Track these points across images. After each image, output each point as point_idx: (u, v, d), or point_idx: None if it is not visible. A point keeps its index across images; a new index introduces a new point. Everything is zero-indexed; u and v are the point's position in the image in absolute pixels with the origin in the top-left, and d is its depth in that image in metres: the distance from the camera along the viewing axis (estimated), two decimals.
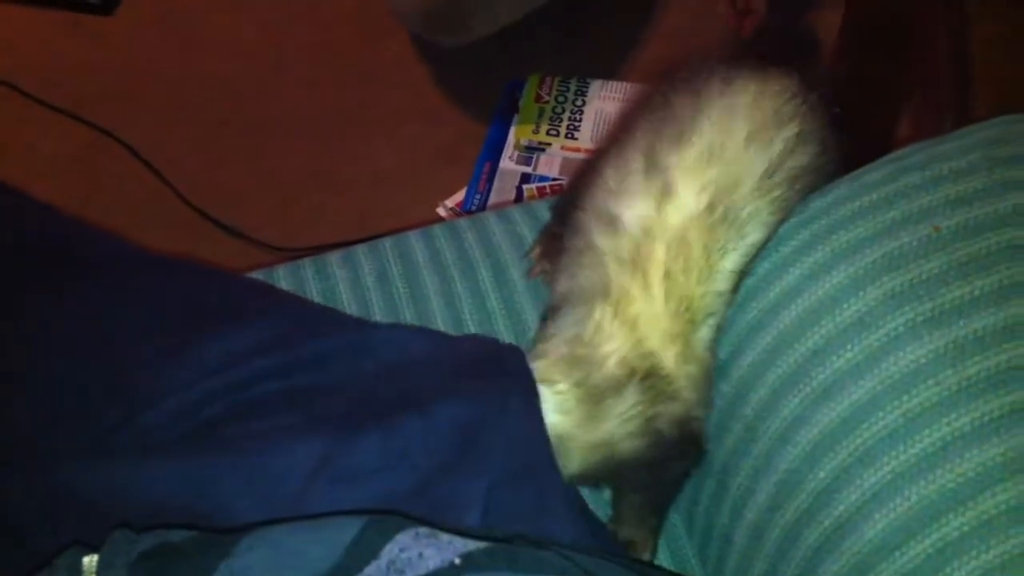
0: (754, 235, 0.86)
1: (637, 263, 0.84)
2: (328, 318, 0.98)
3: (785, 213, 0.87)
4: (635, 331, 0.84)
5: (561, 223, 0.98)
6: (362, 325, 0.97)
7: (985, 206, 0.81)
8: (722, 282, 0.86)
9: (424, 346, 0.91)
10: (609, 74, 1.98)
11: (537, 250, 1.08)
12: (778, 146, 0.86)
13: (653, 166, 0.85)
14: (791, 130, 0.86)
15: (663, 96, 0.90)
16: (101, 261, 0.93)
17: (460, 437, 0.79)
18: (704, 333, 0.86)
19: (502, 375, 0.85)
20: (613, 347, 0.84)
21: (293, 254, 1.16)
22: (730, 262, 0.85)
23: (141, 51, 2.14)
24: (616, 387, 0.83)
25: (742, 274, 0.87)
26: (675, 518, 0.97)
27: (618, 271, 0.85)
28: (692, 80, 0.90)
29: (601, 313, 0.84)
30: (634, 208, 0.85)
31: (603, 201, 0.87)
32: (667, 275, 0.83)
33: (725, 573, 0.88)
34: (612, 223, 0.85)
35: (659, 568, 0.91)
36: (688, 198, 0.83)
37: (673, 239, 0.83)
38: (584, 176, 0.95)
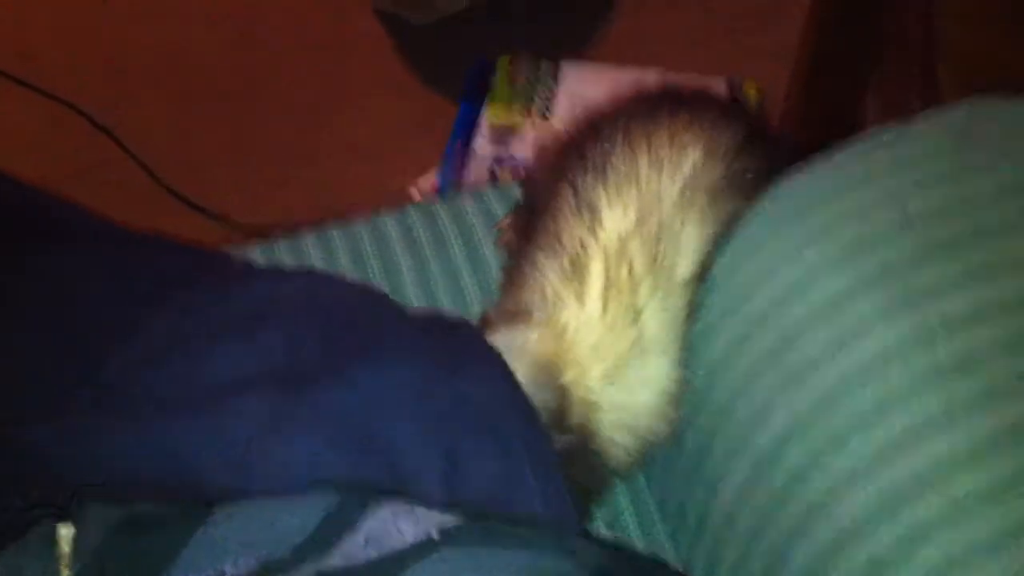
0: (695, 244, 0.88)
1: (575, 274, 0.87)
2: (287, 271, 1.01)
3: (720, 224, 0.90)
4: (563, 338, 0.86)
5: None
6: (314, 273, 0.98)
7: (952, 189, 0.82)
8: (676, 295, 0.88)
9: (375, 301, 0.93)
10: (579, 52, 1.98)
11: (506, 221, 1.10)
12: (686, 168, 0.89)
13: (581, 199, 0.89)
14: (695, 153, 0.90)
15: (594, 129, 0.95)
16: (65, 230, 0.94)
17: (412, 396, 0.80)
18: (651, 368, 0.88)
19: (456, 339, 0.86)
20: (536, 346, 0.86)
21: (259, 229, 1.16)
22: (681, 271, 0.88)
23: (107, 23, 2.11)
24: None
25: (695, 286, 0.89)
26: (648, 501, 0.98)
27: (556, 280, 0.88)
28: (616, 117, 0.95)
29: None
30: (570, 231, 0.88)
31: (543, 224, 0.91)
32: (608, 285, 0.86)
33: (698, 556, 0.89)
34: (552, 245, 0.89)
35: (633, 549, 0.92)
36: (616, 215, 0.87)
37: (612, 252, 0.87)
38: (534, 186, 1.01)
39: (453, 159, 1.84)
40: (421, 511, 0.65)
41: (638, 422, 0.88)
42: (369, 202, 1.22)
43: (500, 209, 1.14)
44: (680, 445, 0.90)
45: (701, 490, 0.87)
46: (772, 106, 1.81)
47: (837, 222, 0.83)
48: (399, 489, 0.70)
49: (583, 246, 0.87)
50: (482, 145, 1.84)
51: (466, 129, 1.87)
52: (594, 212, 0.88)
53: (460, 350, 0.85)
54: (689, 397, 0.88)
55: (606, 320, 0.86)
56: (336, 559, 0.61)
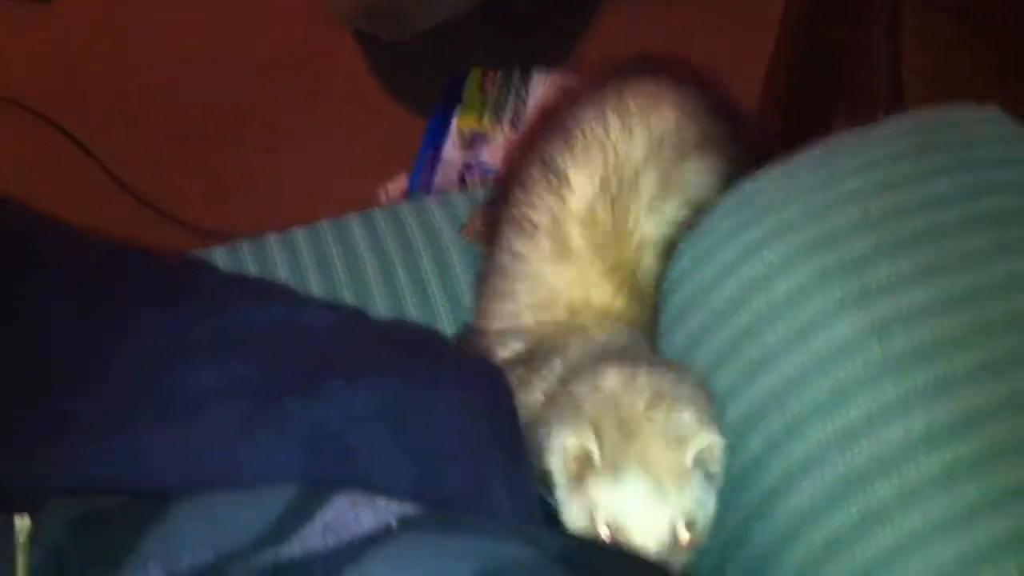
0: (660, 201, 0.91)
1: (556, 246, 0.91)
2: (261, 288, 0.99)
3: (686, 188, 0.92)
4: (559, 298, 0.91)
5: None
6: (294, 298, 0.97)
7: (913, 190, 0.83)
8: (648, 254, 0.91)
9: (352, 323, 0.92)
10: (554, 63, 1.99)
11: (474, 217, 1.11)
12: (656, 131, 0.92)
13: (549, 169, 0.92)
14: (669, 114, 0.93)
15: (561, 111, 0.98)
16: (34, 243, 0.93)
17: (386, 410, 0.79)
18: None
19: (431, 355, 0.85)
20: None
21: (234, 241, 1.16)
22: (650, 229, 0.91)
23: (76, 39, 2.10)
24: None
25: (671, 243, 0.91)
26: None
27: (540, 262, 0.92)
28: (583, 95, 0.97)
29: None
30: (541, 208, 0.92)
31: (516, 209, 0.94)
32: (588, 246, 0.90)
33: None
34: (526, 229, 0.93)
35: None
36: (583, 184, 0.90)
37: (584, 219, 0.90)
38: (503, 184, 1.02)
39: (423, 165, 1.84)
40: (382, 502, 0.65)
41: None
42: (339, 209, 1.22)
43: (466, 211, 1.14)
44: None
45: None
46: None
47: (798, 221, 0.84)
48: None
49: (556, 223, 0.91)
50: (452, 152, 1.84)
51: (437, 137, 1.87)
52: (560, 177, 0.91)
53: (437, 368, 0.84)
54: None
55: (596, 267, 0.91)
56: (294, 549, 0.61)
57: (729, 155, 0.95)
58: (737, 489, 0.79)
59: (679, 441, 0.76)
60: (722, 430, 0.78)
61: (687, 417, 0.77)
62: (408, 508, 0.65)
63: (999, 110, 0.91)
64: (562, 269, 0.91)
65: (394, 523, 0.62)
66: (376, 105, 1.98)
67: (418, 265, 1.10)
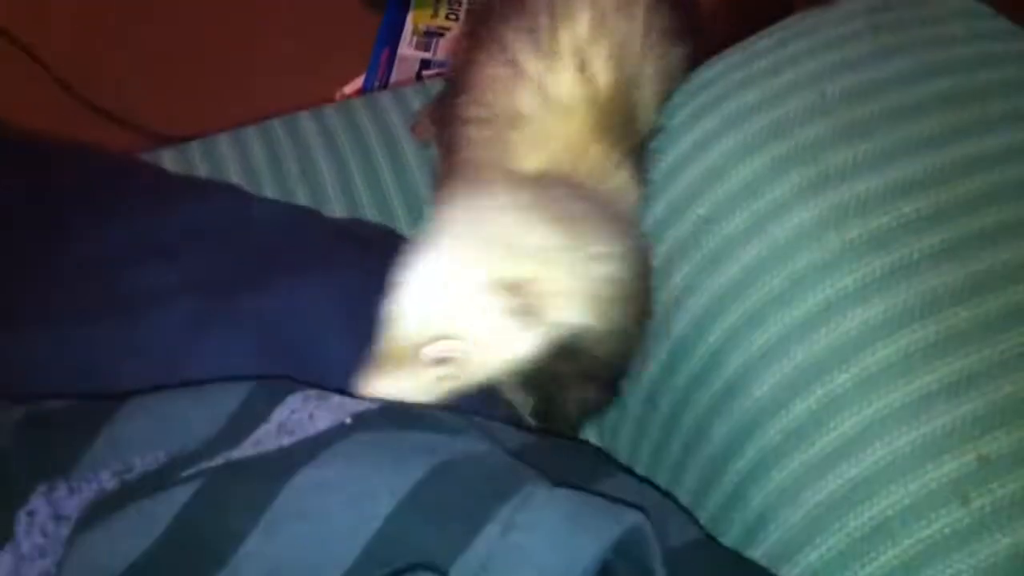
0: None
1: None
2: (209, 186, 0.97)
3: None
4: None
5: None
6: (242, 194, 0.95)
7: (869, 71, 0.82)
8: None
9: (302, 218, 0.91)
10: None
11: (424, 113, 1.08)
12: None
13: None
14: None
15: None
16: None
17: (338, 303, 0.78)
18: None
19: (381, 247, 0.84)
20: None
21: (179, 142, 1.13)
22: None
23: None
24: None
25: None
26: None
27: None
28: None
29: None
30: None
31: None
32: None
33: (620, 441, 0.90)
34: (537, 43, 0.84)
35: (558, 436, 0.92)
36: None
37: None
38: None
39: (378, 65, 1.80)
40: (336, 399, 0.65)
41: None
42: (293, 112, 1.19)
43: (420, 105, 1.12)
44: None
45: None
46: None
47: (756, 106, 0.83)
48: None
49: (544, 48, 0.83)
50: (408, 49, 1.81)
51: (392, 34, 1.83)
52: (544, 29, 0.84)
53: (388, 260, 0.83)
54: None
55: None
56: (247, 449, 0.61)
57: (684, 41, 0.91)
58: (695, 385, 0.79)
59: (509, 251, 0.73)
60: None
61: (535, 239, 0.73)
62: (363, 404, 0.64)
63: None
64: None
65: (348, 420, 0.61)
66: (329, 3, 1.93)
67: (372, 162, 1.07)
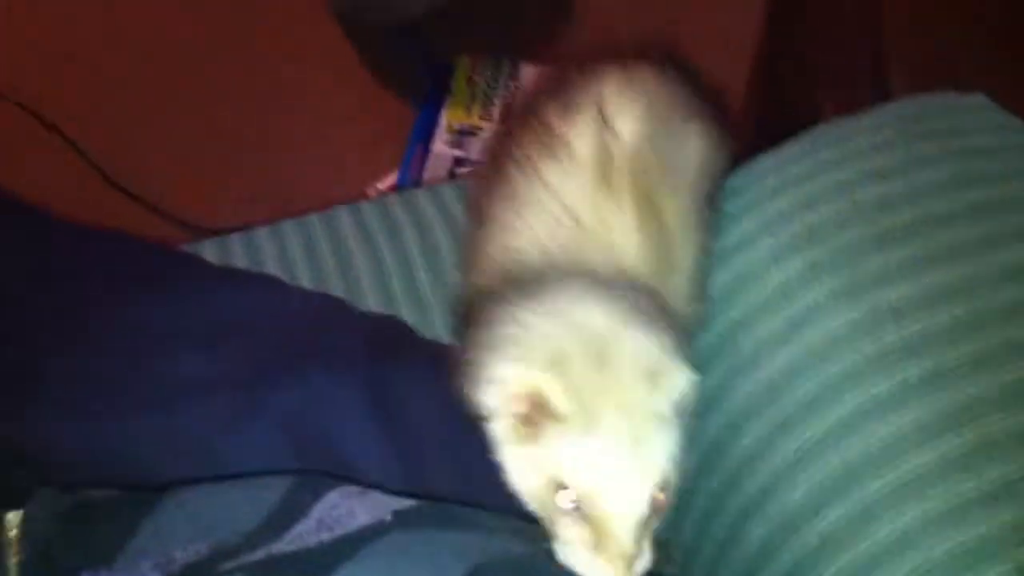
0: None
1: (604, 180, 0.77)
2: (244, 277, 0.99)
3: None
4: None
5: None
6: (275, 285, 0.97)
7: (901, 180, 0.83)
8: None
9: (333, 312, 0.92)
10: (536, 59, 1.98)
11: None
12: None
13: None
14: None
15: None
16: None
17: (370, 400, 0.79)
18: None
19: (408, 347, 0.85)
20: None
21: (214, 234, 1.15)
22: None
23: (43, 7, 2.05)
24: None
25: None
26: None
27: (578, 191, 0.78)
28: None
29: None
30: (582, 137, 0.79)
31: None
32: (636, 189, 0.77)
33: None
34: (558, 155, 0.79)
35: None
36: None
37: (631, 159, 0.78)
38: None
39: (412, 161, 1.84)
40: (376, 495, 0.65)
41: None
42: (328, 207, 1.21)
43: (455, 204, 1.14)
44: None
45: None
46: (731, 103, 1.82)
47: (789, 211, 0.85)
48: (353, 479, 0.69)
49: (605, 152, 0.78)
50: (441, 147, 1.84)
51: (426, 131, 1.87)
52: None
53: (415, 360, 0.84)
54: None
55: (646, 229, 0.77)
56: (288, 544, 0.61)
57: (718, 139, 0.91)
58: (732, 486, 0.79)
59: (651, 378, 0.64)
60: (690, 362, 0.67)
61: (656, 346, 0.66)
62: (402, 502, 0.65)
63: (985, 98, 0.91)
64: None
65: (389, 517, 0.62)
66: (364, 99, 1.97)
67: (407, 258, 1.09)
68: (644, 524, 0.63)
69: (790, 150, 0.91)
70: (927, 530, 0.69)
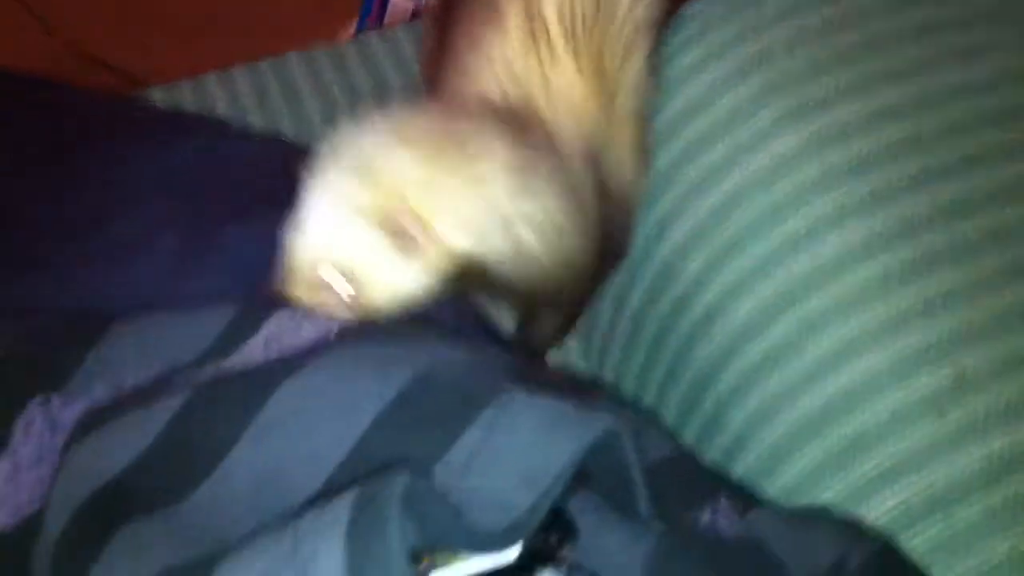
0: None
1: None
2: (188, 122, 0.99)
3: None
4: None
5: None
6: (216, 129, 0.97)
7: (847, 2, 0.83)
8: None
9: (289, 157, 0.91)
10: None
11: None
12: None
13: None
14: None
15: None
16: None
17: None
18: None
19: None
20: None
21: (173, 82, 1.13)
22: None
23: None
24: None
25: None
26: None
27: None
28: None
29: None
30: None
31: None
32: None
33: (607, 365, 0.92)
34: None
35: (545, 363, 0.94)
36: None
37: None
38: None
39: (370, 10, 1.80)
40: (323, 315, 0.66)
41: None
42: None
43: (411, 49, 1.12)
44: None
45: (608, 305, 0.90)
46: None
47: (735, 40, 0.84)
48: None
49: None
50: None
51: None
52: None
53: None
54: None
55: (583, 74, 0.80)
56: (236, 360, 0.62)
57: None
58: (678, 310, 0.81)
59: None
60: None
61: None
62: (350, 319, 0.65)
63: None
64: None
65: (334, 332, 0.63)
66: None
67: (359, 100, 1.08)
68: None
69: None
70: (867, 341, 0.70)
